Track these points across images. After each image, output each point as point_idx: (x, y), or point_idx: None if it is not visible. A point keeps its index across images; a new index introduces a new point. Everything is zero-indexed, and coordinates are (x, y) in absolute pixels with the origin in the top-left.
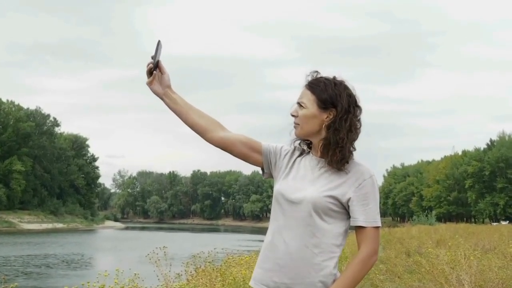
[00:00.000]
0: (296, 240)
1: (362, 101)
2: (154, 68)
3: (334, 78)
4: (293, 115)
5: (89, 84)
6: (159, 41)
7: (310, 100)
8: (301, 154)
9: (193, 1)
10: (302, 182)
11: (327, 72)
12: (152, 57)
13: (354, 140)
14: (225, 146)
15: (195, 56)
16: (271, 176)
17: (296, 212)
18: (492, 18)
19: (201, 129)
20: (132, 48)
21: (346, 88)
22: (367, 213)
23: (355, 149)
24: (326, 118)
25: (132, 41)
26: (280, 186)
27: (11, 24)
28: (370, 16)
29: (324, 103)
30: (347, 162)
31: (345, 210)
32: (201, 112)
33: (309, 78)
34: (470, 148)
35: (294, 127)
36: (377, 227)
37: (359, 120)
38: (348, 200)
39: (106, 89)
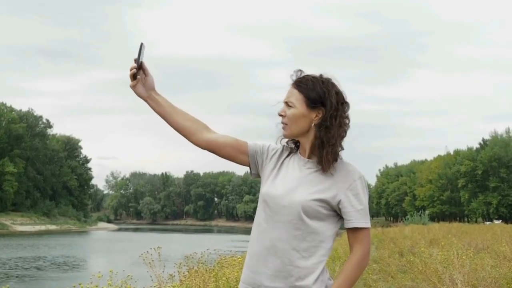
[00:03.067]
0: (285, 243)
1: (354, 102)
2: (138, 71)
3: (321, 75)
4: (280, 115)
5: (81, 85)
6: (141, 44)
7: (298, 100)
8: (289, 154)
9: (184, 3)
10: (291, 185)
11: (318, 73)
12: (135, 60)
13: (343, 137)
14: (211, 148)
15: (186, 58)
16: (259, 176)
17: (285, 216)
18: (482, 18)
19: (186, 132)
20: (124, 49)
21: (333, 85)
22: (360, 215)
23: (343, 148)
24: (315, 117)
25: (124, 43)
26: (268, 188)
27: (2, 27)
28: (361, 17)
29: (313, 102)
30: (336, 161)
31: (335, 212)
32: (186, 115)
33: (294, 77)
34: (462, 147)
35: (282, 127)
36: (369, 228)
37: (347, 117)
38: (339, 202)
39: (98, 90)
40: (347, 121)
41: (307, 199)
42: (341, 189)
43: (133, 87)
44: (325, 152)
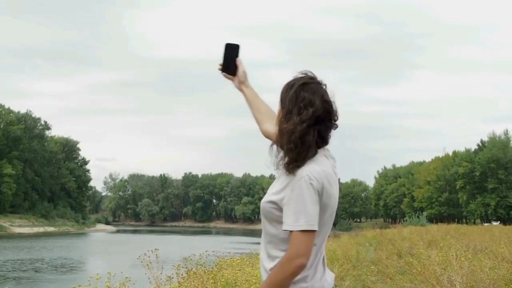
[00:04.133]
0: (261, 250)
1: (353, 104)
2: (224, 70)
3: (299, 78)
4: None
5: (79, 87)
6: (225, 45)
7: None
8: None
9: (183, 4)
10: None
11: (320, 75)
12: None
13: (300, 141)
14: (269, 138)
15: (185, 59)
16: None
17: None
18: (481, 19)
19: (257, 122)
20: (123, 51)
21: (300, 89)
22: (291, 217)
23: (308, 155)
24: (278, 120)
25: (123, 45)
26: None
27: (1, 28)
28: (360, 18)
29: (281, 104)
30: (298, 167)
31: None
32: (261, 107)
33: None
34: (460, 149)
35: None
36: (303, 231)
37: (305, 121)
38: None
39: (96, 92)
40: (304, 126)
41: (264, 201)
42: (287, 191)
43: (233, 81)
44: (283, 153)
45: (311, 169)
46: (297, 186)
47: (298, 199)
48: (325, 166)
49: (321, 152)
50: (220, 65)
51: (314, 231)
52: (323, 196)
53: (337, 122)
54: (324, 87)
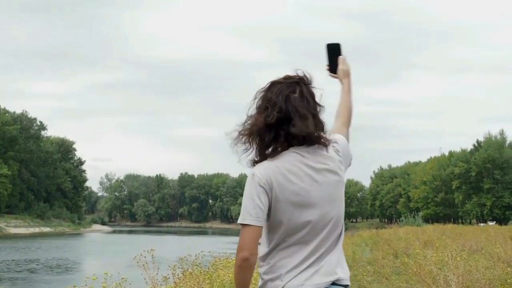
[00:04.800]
0: None
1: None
2: (331, 71)
3: (274, 79)
4: None
5: (76, 88)
6: (326, 45)
7: None
8: None
9: (179, 6)
10: None
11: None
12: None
13: (257, 142)
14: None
15: (182, 60)
16: None
17: None
18: (477, 20)
19: None
20: (119, 52)
21: (267, 89)
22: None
23: (269, 154)
24: None
25: (120, 45)
26: None
27: None
28: (355, 18)
29: None
30: (256, 163)
31: None
32: (341, 105)
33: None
34: (456, 149)
35: None
36: (242, 225)
37: (265, 123)
38: None
39: (93, 92)
40: (261, 125)
41: None
42: None
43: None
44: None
45: (261, 165)
46: (246, 182)
47: (245, 194)
48: (283, 162)
49: (297, 149)
50: (327, 66)
51: (249, 225)
52: (272, 190)
53: (320, 121)
54: (299, 87)
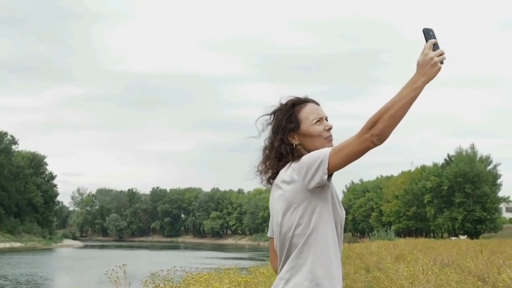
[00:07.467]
0: None
1: None
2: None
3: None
4: (330, 128)
5: (46, 101)
6: (423, 30)
7: None
8: None
9: (151, 18)
10: None
11: (287, 89)
12: (435, 45)
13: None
14: None
15: (153, 73)
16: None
17: None
18: (446, 35)
19: None
20: (90, 65)
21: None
22: None
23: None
24: None
25: (90, 59)
26: (342, 212)
27: None
28: (328, 34)
29: None
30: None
31: None
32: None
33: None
34: (428, 163)
35: (332, 139)
36: None
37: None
38: None
39: (63, 106)
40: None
41: None
42: None
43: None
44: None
45: None
46: None
47: None
48: None
49: None
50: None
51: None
52: None
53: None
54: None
